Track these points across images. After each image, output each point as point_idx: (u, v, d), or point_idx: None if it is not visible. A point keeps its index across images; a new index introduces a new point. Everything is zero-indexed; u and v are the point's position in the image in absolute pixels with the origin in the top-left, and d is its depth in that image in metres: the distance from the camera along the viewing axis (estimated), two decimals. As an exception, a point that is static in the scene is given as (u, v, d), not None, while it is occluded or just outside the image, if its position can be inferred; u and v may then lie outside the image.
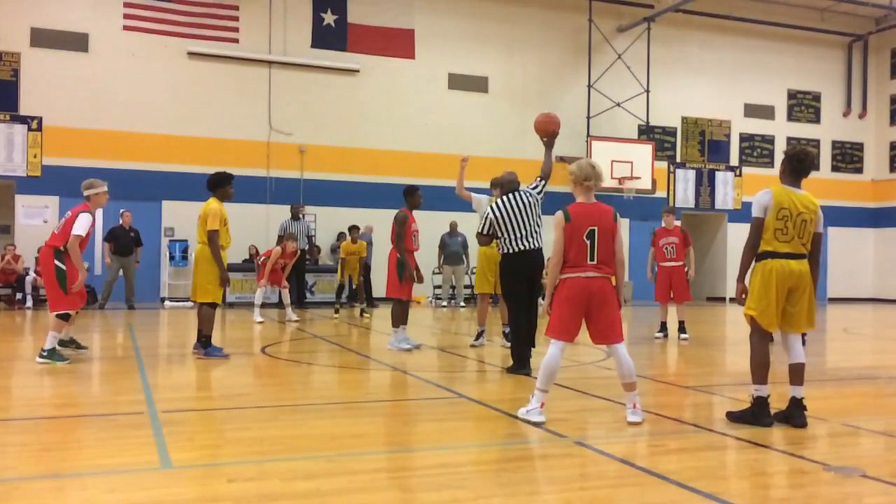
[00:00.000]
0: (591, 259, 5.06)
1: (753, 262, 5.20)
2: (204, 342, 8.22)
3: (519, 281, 7.43)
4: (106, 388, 6.81)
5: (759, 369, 5.17)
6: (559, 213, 5.16)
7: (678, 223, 10.82)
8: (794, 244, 5.10)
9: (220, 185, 8.44)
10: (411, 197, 9.40)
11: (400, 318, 9.12)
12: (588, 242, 5.05)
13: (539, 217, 7.56)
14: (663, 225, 11.13)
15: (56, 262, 7.70)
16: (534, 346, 7.56)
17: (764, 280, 5.07)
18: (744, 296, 5.22)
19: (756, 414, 5.10)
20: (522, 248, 7.34)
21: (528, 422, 5.08)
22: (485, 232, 7.52)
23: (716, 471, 4.22)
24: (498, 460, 4.35)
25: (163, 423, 4.96)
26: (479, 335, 9.58)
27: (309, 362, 8.49)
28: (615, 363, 5.22)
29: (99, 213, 17.06)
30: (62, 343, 8.12)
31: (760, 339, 5.20)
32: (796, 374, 5.19)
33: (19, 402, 6.16)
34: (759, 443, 4.68)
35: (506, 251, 7.44)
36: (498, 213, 7.43)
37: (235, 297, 16.44)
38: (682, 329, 10.65)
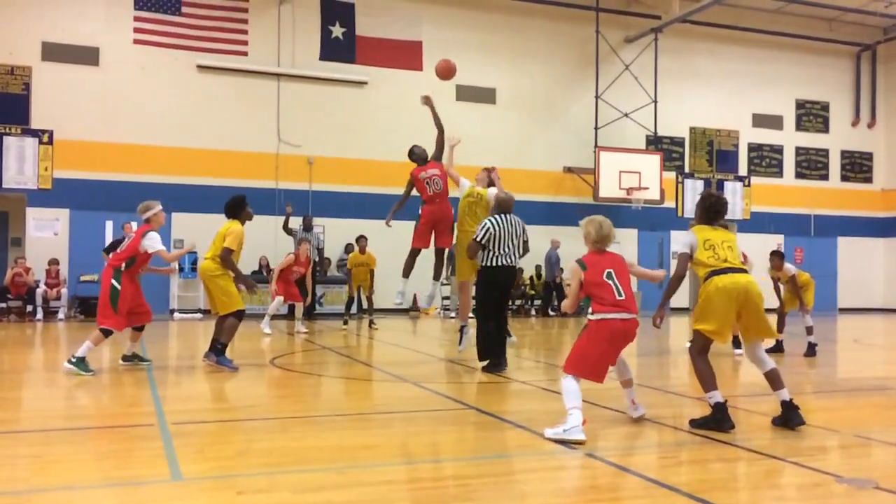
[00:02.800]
0: (620, 295, 5.23)
1: (701, 286, 5.46)
2: (218, 350, 8.20)
3: (495, 289, 8.25)
4: (116, 399, 6.82)
5: (708, 378, 5.37)
6: (575, 265, 5.40)
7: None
8: (731, 261, 5.43)
9: (240, 209, 8.54)
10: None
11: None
12: (610, 283, 5.27)
13: (522, 242, 8.29)
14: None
15: (113, 280, 7.89)
16: (510, 336, 8.80)
17: (712, 298, 5.31)
18: (659, 320, 5.64)
19: (718, 420, 5.24)
20: (505, 263, 8.11)
21: (568, 441, 4.85)
22: (480, 240, 8.08)
23: (727, 483, 4.19)
24: (508, 472, 4.33)
25: (173, 435, 4.96)
26: (463, 333, 9.39)
27: (318, 374, 8.49)
28: (620, 369, 5.56)
29: (109, 225, 17.23)
30: (125, 358, 8.37)
31: (701, 352, 5.43)
32: (775, 379, 5.41)
33: (30, 414, 6.17)
34: (771, 454, 4.64)
35: (489, 264, 8.12)
36: (495, 228, 8.07)
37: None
38: (736, 343, 9.86)
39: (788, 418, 5.28)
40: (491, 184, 9.29)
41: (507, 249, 8.11)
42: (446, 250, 9.45)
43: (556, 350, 11.27)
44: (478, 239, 8.10)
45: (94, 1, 17.36)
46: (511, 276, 8.36)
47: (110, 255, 8.83)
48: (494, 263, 8.11)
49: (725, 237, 5.59)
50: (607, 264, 5.33)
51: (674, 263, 6.02)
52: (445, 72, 9.44)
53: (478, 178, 9.56)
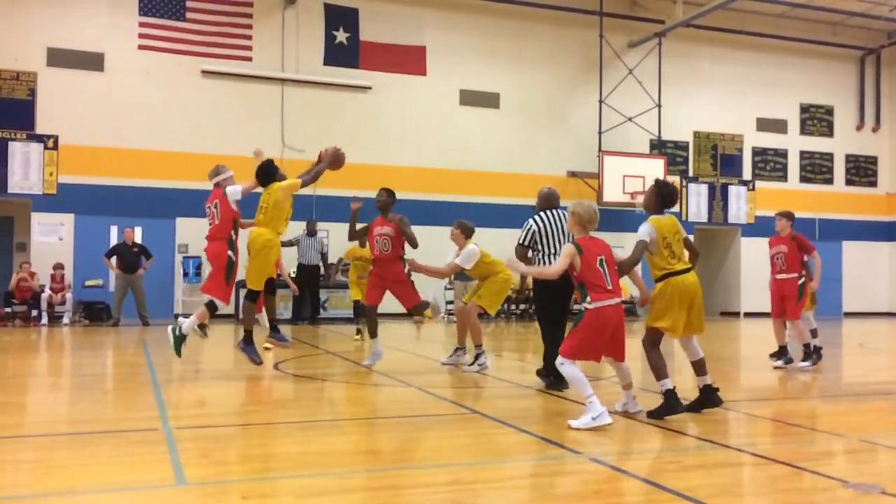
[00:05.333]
0: (609, 284, 5.56)
1: (655, 283, 5.95)
2: (245, 337, 8.15)
3: (553, 294, 7.28)
4: (120, 404, 6.82)
5: (660, 368, 5.86)
6: (571, 246, 5.64)
7: (791, 229, 9.46)
8: (683, 262, 5.97)
9: (273, 174, 8.27)
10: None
11: None
12: (602, 270, 5.58)
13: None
14: (777, 231, 9.65)
15: (229, 251, 7.86)
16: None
17: (669, 297, 5.82)
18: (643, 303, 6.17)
19: (669, 406, 5.75)
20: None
21: (599, 427, 5.29)
22: (525, 243, 7.36)
23: (732, 487, 4.18)
24: (512, 477, 4.33)
25: (177, 440, 4.96)
26: (458, 350, 9.14)
27: (322, 378, 8.49)
28: (617, 371, 5.92)
29: (113, 230, 17.26)
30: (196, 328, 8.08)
31: (654, 345, 5.93)
32: (700, 366, 6.05)
33: (34, 419, 6.18)
34: (775, 459, 4.63)
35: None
36: (540, 226, 7.36)
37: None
38: (807, 354, 9.25)
39: (708, 399, 5.97)
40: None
41: (557, 248, 7.20)
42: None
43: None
44: (522, 242, 7.37)
45: (98, 7, 17.42)
46: (567, 279, 7.41)
47: (209, 239, 8.35)
48: (546, 264, 7.27)
49: (676, 229, 6.00)
50: (598, 251, 5.63)
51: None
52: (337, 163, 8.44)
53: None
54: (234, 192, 8.02)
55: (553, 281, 7.15)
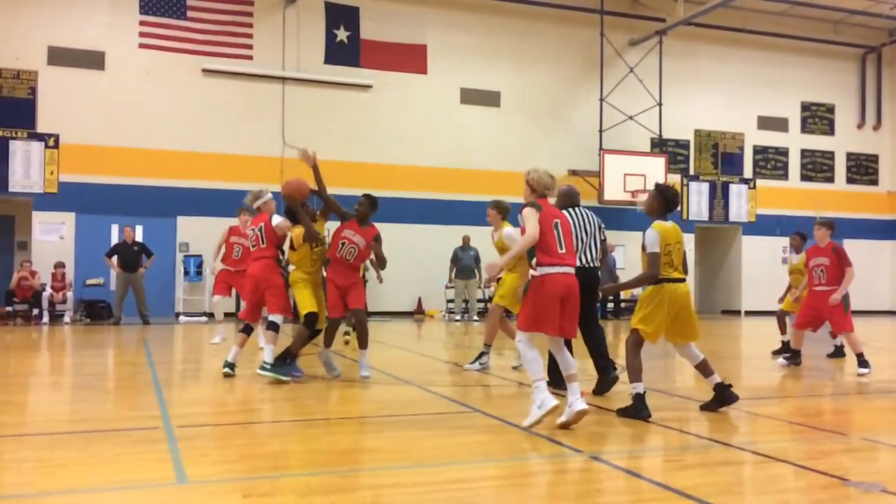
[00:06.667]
0: (562, 248, 5.33)
1: (650, 287, 5.95)
2: (285, 355, 7.74)
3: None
4: (121, 403, 6.83)
5: (636, 371, 5.86)
6: (530, 208, 5.35)
7: (830, 238, 9.12)
8: (678, 271, 5.97)
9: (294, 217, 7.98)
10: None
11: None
12: (556, 233, 5.35)
13: (598, 241, 7.18)
14: (816, 242, 9.29)
15: (280, 270, 7.94)
16: (614, 369, 7.16)
17: (658, 303, 5.87)
18: (610, 293, 6.12)
19: (637, 408, 5.73)
20: (580, 263, 6.71)
21: (546, 413, 5.17)
22: None
23: (733, 486, 4.18)
24: (513, 475, 4.33)
25: (178, 439, 4.96)
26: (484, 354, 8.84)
27: (323, 377, 8.48)
28: (561, 358, 5.44)
29: (114, 228, 17.27)
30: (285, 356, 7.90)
31: (636, 347, 5.94)
32: (705, 368, 6.08)
33: (36, 418, 6.18)
34: (777, 458, 4.62)
35: None
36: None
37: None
38: (861, 363, 8.70)
39: (724, 397, 6.00)
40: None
41: (580, 247, 6.91)
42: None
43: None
44: None
45: (99, 5, 17.41)
46: (588, 278, 6.83)
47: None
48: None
49: (678, 238, 6.03)
50: (555, 215, 5.43)
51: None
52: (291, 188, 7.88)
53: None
54: (281, 226, 7.90)
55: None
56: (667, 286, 5.88)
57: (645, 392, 5.81)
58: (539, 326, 5.28)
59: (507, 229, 8.34)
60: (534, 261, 5.31)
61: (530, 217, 5.27)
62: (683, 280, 6.01)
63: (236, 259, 10.86)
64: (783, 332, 10.72)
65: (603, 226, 7.32)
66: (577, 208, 7.19)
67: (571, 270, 5.36)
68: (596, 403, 6.42)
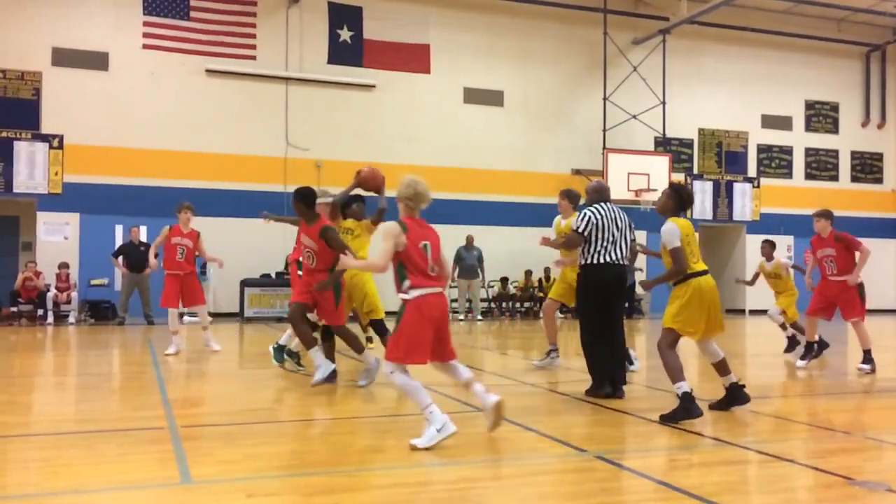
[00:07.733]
0: (433, 270, 5.01)
1: (673, 286, 5.91)
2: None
3: (600, 293, 6.89)
4: (126, 403, 6.84)
5: (677, 371, 5.74)
6: (395, 224, 5.06)
7: (832, 227, 9.07)
8: (701, 262, 5.94)
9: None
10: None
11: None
12: (426, 253, 5.03)
13: (628, 240, 7.11)
14: (816, 231, 9.19)
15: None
16: (632, 364, 7.25)
17: (691, 299, 5.76)
18: (650, 287, 6.24)
19: (687, 409, 5.57)
20: (609, 260, 6.87)
21: (445, 437, 4.77)
22: (582, 231, 6.87)
23: (738, 485, 4.17)
24: (518, 475, 4.32)
25: (182, 439, 4.97)
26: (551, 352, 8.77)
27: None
28: (452, 372, 5.22)
29: (119, 229, 17.27)
30: (289, 353, 8.13)
31: (671, 346, 5.84)
32: (723, 367, 6.02)
33: (40, 418, 6.19)
34: (781, 457, 4.62)
35: (590, 261, 6.89)
36: (598, 217, 6.90)
37: (254, 312, 16.51)
38: (866, 359, 8.83)
39: (737, 397, 5.98)
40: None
41: (610, 242, 6.87)
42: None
43: (561, 350, 11.23)
44: (579, 229, 6.88)
45: (103, 6, 17.44)
46: (617, 276, 6.91)
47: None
48: (597, 260, 6.83)
49: (691, 231, 5.98)
50: (425, 236, 5.07)
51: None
52: (369, 180, 8.06)
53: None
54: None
55: (591, 280, 6.90)
56: (694, 281, 5.78)
57: (692, 390, 5.68)
58: (414, 357, 4.91)
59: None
60: (405, 283, 4.95)
61: (387, 238, 4.98)
62: (708, 271, 5.91)
63: (180, 262, 10.68)
64: (784, 328, 10.79)
65: (633, 225, 7.23)
66: (607, 203, 7.09)
67: (441, 290, 5.05)
68: (597, 403, 6.42)
